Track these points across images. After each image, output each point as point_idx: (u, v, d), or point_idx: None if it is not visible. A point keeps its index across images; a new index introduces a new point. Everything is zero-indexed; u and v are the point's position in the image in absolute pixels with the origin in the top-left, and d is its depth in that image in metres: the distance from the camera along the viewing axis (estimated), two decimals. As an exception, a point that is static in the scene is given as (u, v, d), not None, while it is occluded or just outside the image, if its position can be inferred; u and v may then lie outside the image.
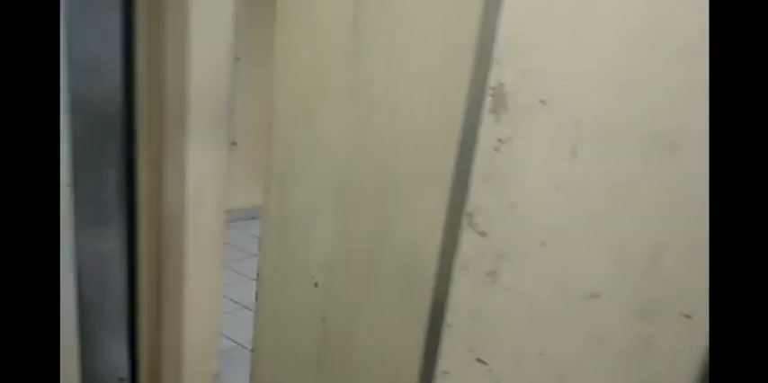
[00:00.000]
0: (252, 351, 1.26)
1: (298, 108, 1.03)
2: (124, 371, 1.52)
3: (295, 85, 1.03)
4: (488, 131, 0.72)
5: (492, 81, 0.71)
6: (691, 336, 0.62)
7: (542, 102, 0.68)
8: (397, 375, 0.92)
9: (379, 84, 0.88)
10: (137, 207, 1.35)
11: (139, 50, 1.21)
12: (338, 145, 0.96)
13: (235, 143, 3.94)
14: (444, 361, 0.83)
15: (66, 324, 1.38)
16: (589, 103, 0.65)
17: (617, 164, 0.65)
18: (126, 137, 1.30)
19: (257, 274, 1.19)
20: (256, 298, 1.21)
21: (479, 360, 0.80)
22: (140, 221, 1.35)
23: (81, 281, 1.36)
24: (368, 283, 0.95)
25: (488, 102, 0.72)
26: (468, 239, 0.77)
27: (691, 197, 0.61)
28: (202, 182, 1.24)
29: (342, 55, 0.93)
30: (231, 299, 2.85)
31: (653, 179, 0.63)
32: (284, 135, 1.06)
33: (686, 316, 0.62)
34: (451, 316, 0.81)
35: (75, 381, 1.45)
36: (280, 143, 1.08)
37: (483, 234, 0.76)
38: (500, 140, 0.72)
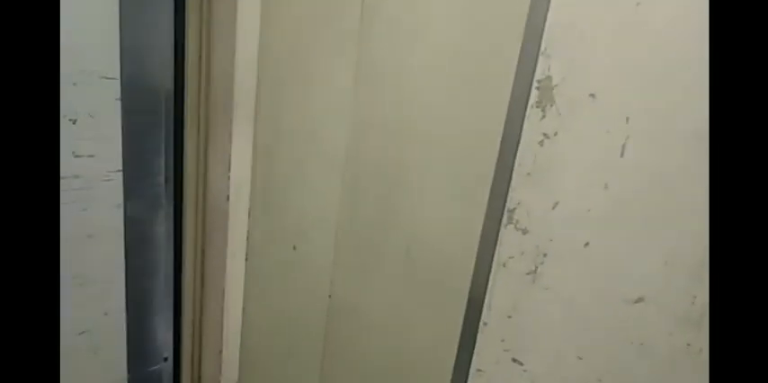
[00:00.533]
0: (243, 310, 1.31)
1: (285, 86, 1.06)
2: (169, 351, 1.59)
3: (284, 67, 1.05)
4: (533, 126, 0.70)
5: (539, 74, 0.68)
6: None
7: (592, 96, 0.65)
8: (430, 370, 0.92)
9: (392, 68, 0.87)
10: (184, 194, 1.39)
11: (190, 40, 1.25)
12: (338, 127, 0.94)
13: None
14: (479, 359, 0.82)
15: (116, 305, 1.45)
16: (641, 98, 0.62)
17: (668, 164, 0.61)
18: (175, 125, 1.34)
19: (247, 239, 1.31)
20: (246, 259, 1.32)
21: (515, 360, 0.78)
22: (186, 208, 1.40)
23: (129, 265, 1.42)
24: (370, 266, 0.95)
25: (534, 95, 0.69)
26: (508, 236, 0.75)
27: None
28: (245, 171, 1.27)
29: (352, 35, 0.92)
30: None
31: (704, 180, 0.59)
32: (271, 111, 1.11)
33: (740, 326, 0.59)
34: (488, 314, 0.80)
35: (123, 359, 1.52)
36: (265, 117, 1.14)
37: (524, 231, 0.74)
38: (545, 135, 0.69)
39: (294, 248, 1.17)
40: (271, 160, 1.18)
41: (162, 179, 1.40)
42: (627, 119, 0.63)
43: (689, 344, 0.63)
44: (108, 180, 1.34)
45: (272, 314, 1.30)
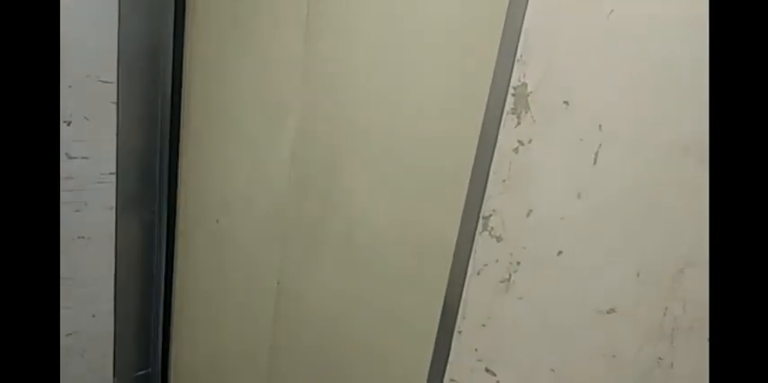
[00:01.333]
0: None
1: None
2: (157, 357, 1.57)
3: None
4: (508, 132, 0.70)
5: (514, 80, 0.68)
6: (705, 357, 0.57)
7: (566, 103, 0.65)
8: (404, 378, 0.91)
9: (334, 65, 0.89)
10: (177, 196, 1.39)
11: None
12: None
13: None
14: (453, 368, 0.81)
15: (104, 307, 1.45)
16: (615, 106, 0.62)
17: (642, 173, 0.61)
18: (171, 131, 1.35)
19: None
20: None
21: (488, 371, 0.77)
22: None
23: (119, 268, 1.42)
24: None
25: (510, 102, 0.69)
26: (483, 243, 0.75)
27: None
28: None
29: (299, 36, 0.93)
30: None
31: (679, 190, 0.58)
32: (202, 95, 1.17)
33: (707, 339, 0.57)
34: (462, 323, 0.78)
35: (109, 363, 1.51)
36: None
37: (498, 239, 0.73)
38: (520, 142, 0.69)
39: (217, 221, 1.25)
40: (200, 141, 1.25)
41: (156, 182, 1.41)
42: (600, 126, 0.63)
43: (660, 358, 0.61)
44: (101, 182, 1.35)
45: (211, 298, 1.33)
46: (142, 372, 1.58)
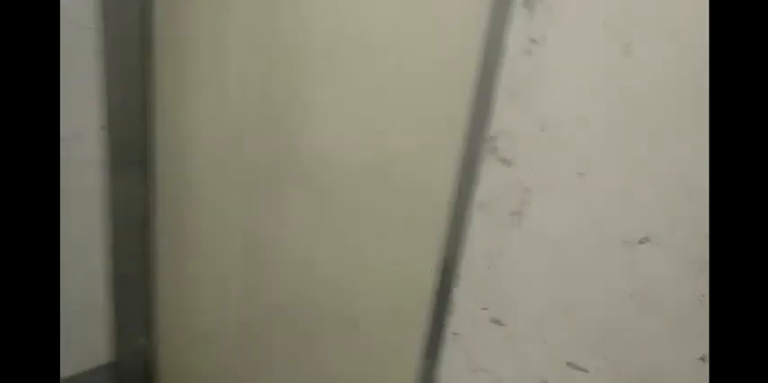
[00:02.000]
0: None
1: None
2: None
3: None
4: (519, 31, 0.58)
5: (525, -37, 0.56)
6: None
7: (588, -15, 0.53)
8: (397, 335, 0.80)
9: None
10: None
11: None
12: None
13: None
14: (455, 321, 0.70)
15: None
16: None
17: (686, 62, 0.48)
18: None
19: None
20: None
21: (495, 321, 0.66)
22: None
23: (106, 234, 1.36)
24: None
25: (520, -8, 0.57)
26: (488, 170, 0.63)
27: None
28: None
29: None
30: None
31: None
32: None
33: None
34: (465, 267, 0.67)
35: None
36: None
37: (507, 163, 0.62)
38: (533, 41, 0.57)
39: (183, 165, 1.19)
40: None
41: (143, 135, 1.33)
42: (629, 10, 0.51)
43: (703, 295, 0.49)
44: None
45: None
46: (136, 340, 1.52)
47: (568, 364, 0.61)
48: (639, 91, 0.51)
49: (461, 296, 0.68)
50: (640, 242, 0.53)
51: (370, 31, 0.79)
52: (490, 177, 0.63)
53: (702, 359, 0.50)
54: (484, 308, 0.66)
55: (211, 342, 1.32)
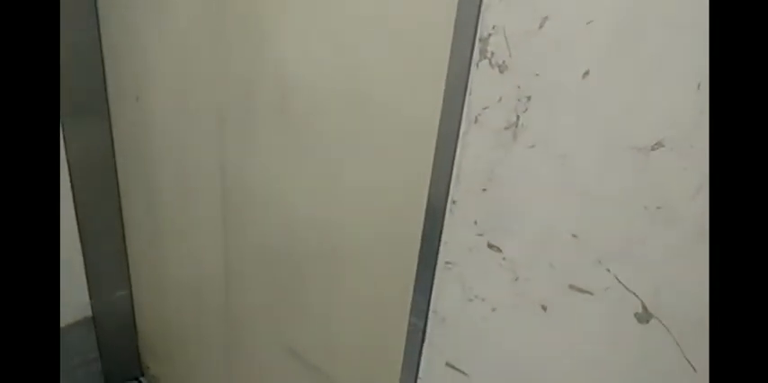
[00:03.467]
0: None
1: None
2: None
3: None
4: None
5: None
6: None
7: None
8: (391, 267, 0.76)
9: None
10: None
11: None
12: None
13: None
14: (447, 249, 0.65)
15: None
16: None
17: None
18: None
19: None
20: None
21: (492, 246, 0.61)
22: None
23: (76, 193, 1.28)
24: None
25: None
26: (480, 77, 0.56)
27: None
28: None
29: None
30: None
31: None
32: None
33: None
34: (457, 189, 0.62)
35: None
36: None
37: (502, 67, 0.54)
38: None
39: (137, 99, 1.14)
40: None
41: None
42: None
43: (727, 200, 0.44)
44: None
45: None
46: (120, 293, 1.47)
47: (571, 287, 0.56)
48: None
49: (454, 222, 0.63)
50: (653, 148, 0.47)
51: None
52: (483, 85, 0.56)
53: (720, 270, 0.46)
54: (479, 234, 0.61)
55: (191, 290, 1.28)
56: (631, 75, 0.47)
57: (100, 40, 1.18)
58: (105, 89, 1.22)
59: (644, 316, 0.52)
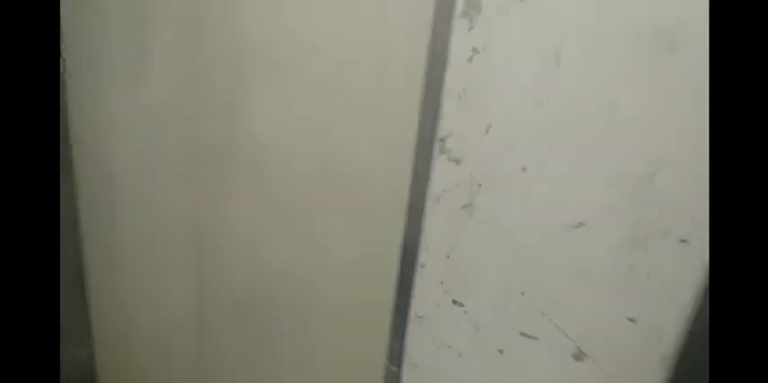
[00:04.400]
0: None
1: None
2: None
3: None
4: (461, 40, 0.62)
5: (463, -23, 0.60)
6: (687, 263, 0.55)
7: (519, 1, 0.58)
8: (367, 319, 0.86)
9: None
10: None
11: None
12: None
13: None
14: (418, 304, 0.77)
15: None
16: (574, -2, 0.55)
17: (607, 70, 0.56)
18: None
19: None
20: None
21: (456, 302, 0.73)
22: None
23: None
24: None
25: (460, 4, 0.61)
26: (441, 168, 0.69)
27: (689, 105, 0.52)
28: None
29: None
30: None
31: (647, 86, 0.54)
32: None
33: (682, 241, 0.55)
34: (425, 255, 0.74)
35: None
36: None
37: (457, 161, 0.67)
38: (474, 50, 0.62)
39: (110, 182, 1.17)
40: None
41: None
42: (559, 23, 0.57)
43: (631, 267, 0.59)
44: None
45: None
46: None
47: (522, 334, 0.69)
48: (570, 97, 0.58)
49: (423, 282, 0.75)
50: (577, 226, 0.62)
51: (309, 32, 0.80)
52: (442, 174, 0.69)
53: (631, 319, 0.61)
54: (445, 292, 0.73)
55: (160, 345, 1.30)
56: (558, 171, 0.61)
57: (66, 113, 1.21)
58: (69, 147, 1.25)
59: (579, 356, 0.66)
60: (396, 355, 0.81)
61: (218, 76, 0.93)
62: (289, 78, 0.85)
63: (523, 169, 0.63)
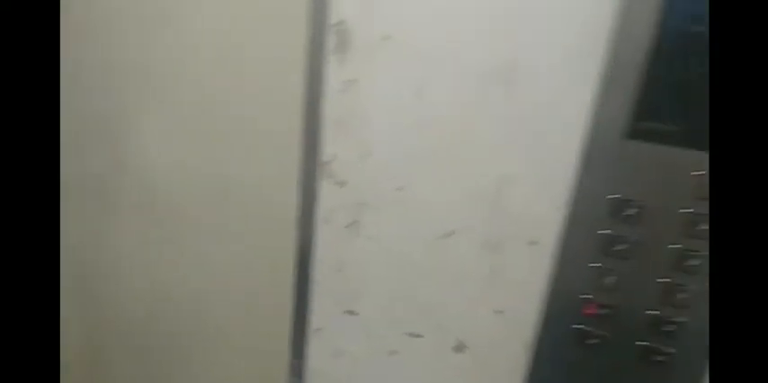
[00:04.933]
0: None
1: None
2: None
3: None
4: (334, 73, 0.68)
5: (333, 17, 0.66)
6: (536, 262, 0.66)
7: (387, 38, 0.65)
8: (269, 337, 0.89)
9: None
10: None
11: None
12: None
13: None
14: (316, 318, 0.81)
15: None
16: (431, 37, 0.64)
17: (460, 100, 0.65)
18: None
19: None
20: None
21: (349, 312, 0.79)
22: None
23: None
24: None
25: (331, 40, 0.67)
26: (326, 190, 0.74)
27: (526, 129, 0.63)
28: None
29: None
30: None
31: (492, 113, 0.64)
32: None
33: (532, 243, 0.66)
34: (318, 272, 0.79)
35: None
36: None
37: (341, 184, 0.73)
38: (347, 82, 0.68)
39: None
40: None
41: None
42: (420, 59, 0.65)
43: (492, 267, 0.69)
44: None
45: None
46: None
47: (409, 334, 0.77)
48: (432, 126, 0.67)
49: (318, 297, 0.79)
50: (447, 236, 0.71)
51: (187, 61, 0.81)
52: (329, 196, 0.74)
53: (498, 312, 0.71)
54: (339, 304, 0.79)
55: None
56: (428, 189, 0.70)
57: None
58: None
59: (459, 348, 0.75)
60: (297, 368, 0.84)
61: (98, 106, 0.90)
62: (171, 106, 0.85)
63: (399, 189, 0.71)
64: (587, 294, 0.63)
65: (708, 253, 0.57)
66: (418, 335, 0.77)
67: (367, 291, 0.77)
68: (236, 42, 0.78)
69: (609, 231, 0.60)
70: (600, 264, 0.62)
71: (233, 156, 0.83)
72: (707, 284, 0.58)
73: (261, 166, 0.81)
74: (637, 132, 0.57)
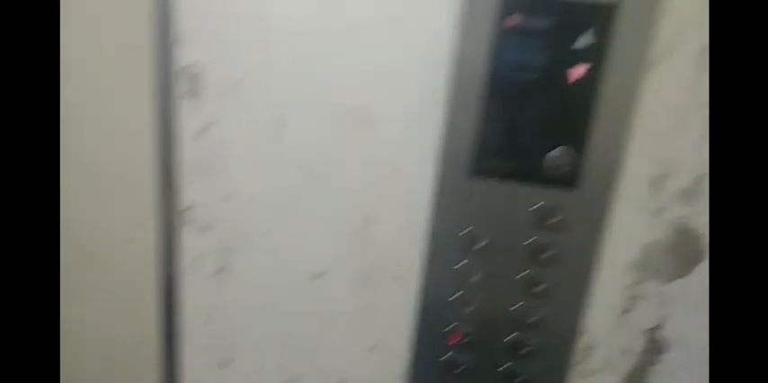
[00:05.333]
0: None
1: None
2: None
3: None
4: (186, 118, 0.66)
5: (180, 61, 0.64)
6: (402, 298, 0.68)
7: (240, 81, 0.64)
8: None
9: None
10: None
11: None
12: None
13: None
14: (190, 373, 0.77)
15: None
16: (291, 79, 0.63)
17: (320, 141, 0.65)
18: None
19: None
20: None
21: (222, 365, 0.75)
22: None
23: None
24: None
25: (180, 85, 0.65)
26: (187, 238, 0.71)
27: (387, 165, 0.65)
28: None
29: None
30: None
31: (351, 152, 0.65)
32: None
33: (395, 278, 0.67)
34: (185, 325, 0.74)
35: None
36: None
37: (204, 230, 0.70)
38: (201, 127, 0.66)
39: None
40: None
41: None
42: (278, 102, 0.65)
43: (362, 303, 0.70)
44: None
45: None
46: None
47: (289, 378, 0.75)
48: (293, 166, 0.67)
49: (189, 350, 0.75)
50: (318, 276, 0.70)
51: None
52: (192, 243, 0.71)
53: (372, 347, 0.71)
54: (213, 354, 0.75)
55: None
56: (294, 231, 0.69)
57: None
58: None
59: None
60: (172, 427, 0.79)
61: None
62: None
63: (266, 232, 0.69)
64: (451, 324, 0.65)
65: (551, 279, 0.62)
66: (299, 377, 0.75)
67: (241, 339, 0.74)
68: (81, 87, 0.72)
69: (464, 263, 0.63)
70: (460, 294, 0.65)
71: (85, 211, 0.76)
72: (553, 307, 0.63)
73: (114, 220, 0.75)
74: (480, 170, 0.61)
